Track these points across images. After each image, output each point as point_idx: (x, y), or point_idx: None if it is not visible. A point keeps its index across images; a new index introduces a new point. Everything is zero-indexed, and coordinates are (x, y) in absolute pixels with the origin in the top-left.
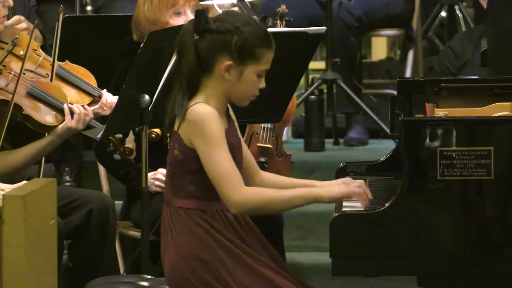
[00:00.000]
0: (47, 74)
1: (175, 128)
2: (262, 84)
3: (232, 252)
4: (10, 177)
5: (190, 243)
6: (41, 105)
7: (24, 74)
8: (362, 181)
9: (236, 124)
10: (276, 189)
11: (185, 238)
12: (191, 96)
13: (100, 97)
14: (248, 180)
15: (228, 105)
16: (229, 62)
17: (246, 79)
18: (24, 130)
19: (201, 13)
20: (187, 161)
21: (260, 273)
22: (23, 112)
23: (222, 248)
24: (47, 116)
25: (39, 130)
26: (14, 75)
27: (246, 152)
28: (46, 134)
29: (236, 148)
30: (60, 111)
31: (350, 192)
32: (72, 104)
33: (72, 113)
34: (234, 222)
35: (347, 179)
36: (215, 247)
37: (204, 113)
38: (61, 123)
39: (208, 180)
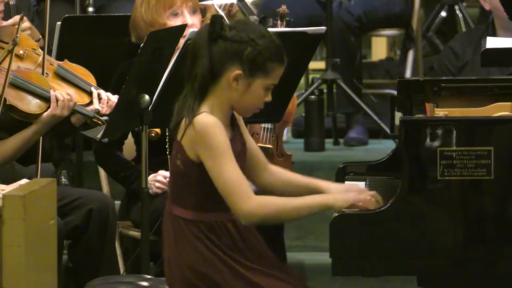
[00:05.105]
0: (47, 74)
1: (178, 137)
2: (268, 98)
3: (229, 265)
4: None
5: (189, 255)
6: (24, 94)
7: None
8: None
9: (242, 129)
10: (287, 197)
11: (184, 249)
12: (200, 101)
13: (99, 95)
14: (257, 176)
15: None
16: (238, 72)
17: (253, 91)
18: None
19: (218, 18)
20: (188, 173)
21: (259, 285)
22: (7, 103)
23: (219, 260)
24: (31, 105)
25: (24, 119)
26: (3, 70)
27: (254, 147)
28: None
29: (240, 156)
30: (44, 98)
31: (359, 200)
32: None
33: (56, 100)
34: (234, 234)
35: (352, 186)
36: (214, 259)
37: (208, 123)
38: (46, 110)
39: (207, 192)
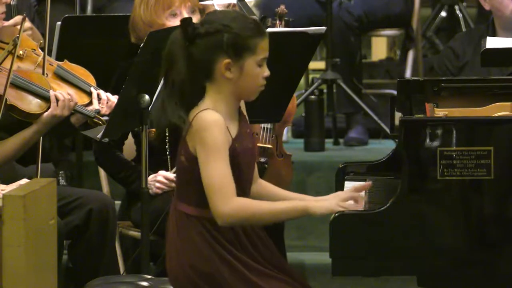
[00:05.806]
0: (46, 74)
1: (183, 133)
2: (266, 72)
3: (231, 264)
4: None
5: (190, 253)
6: (25, 94)
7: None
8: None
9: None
10: (265, 201)
11: (186, 246)
12: (191, 104)
13: (99, 96)
14: None
15: (242, 106)
16: (227, 61)
17: (248, 72)
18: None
19: (187, 21)
20: (191, 169)
21: (259, 286)
22: (8, 103)
23: (221, 260)
24: (31, 105)
25: (25, 119)
26: (4, 70)
27: None
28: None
29: (248, 152)
30: (44, 98)
31: (342, 208)
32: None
33: (56, 100)
34: (238, 230)
35: (340, 194)
36: (215, 259)
37: (208, 120)
38: (46, 110)
39: None
